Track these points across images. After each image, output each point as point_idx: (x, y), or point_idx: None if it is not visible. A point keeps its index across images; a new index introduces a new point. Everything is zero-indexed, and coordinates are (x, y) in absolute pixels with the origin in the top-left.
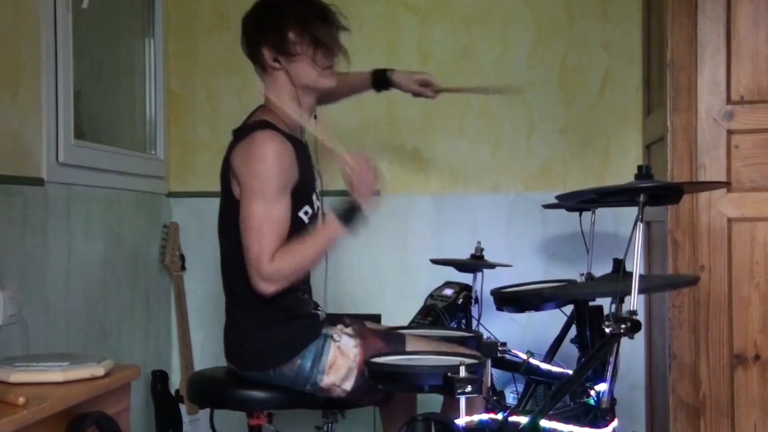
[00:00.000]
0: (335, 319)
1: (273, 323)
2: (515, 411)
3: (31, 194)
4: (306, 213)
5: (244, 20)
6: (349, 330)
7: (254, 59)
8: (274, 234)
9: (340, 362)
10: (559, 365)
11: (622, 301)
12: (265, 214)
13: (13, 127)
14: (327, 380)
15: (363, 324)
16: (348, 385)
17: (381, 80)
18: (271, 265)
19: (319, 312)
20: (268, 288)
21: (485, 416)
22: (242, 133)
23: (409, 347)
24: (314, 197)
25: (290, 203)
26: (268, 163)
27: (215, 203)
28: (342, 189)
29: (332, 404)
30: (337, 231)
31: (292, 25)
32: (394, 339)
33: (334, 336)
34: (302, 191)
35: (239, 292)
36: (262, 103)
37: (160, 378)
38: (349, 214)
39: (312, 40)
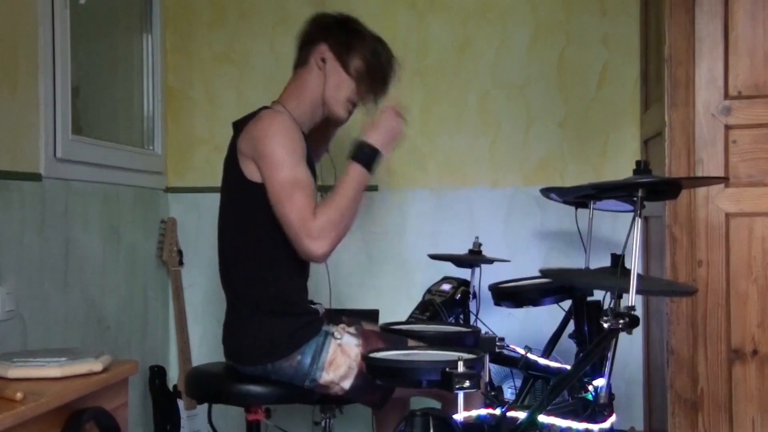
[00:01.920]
0: (334, 316)
1: (273, 318)
2: (513, 406)
3: (29, 190)
4: None
5: (322, 14)
6: (351, 329)
7: (303, 47)
8: (306, 195)
9: (340, 360)
10: (557, 360)
11: (620, 296)
12: (293, 178)
13: (11, 122)
14: (326, 377)
15: (360, 323)
16: (347, 384)
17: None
18: (317, 222)
19: (318, 308)
20: (321, 246)
21: (483, 411)
22: (246, 119)
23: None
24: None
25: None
26: (282, 133)
27: (213, 198)
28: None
29: (330, 399)
30: (363, 174)
31: (367, 52)
32: (396, 341)
33: (336, 334)
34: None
35: (241, 287)
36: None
37: (158, 373)
38: (370, 157)
39: (368, 76)
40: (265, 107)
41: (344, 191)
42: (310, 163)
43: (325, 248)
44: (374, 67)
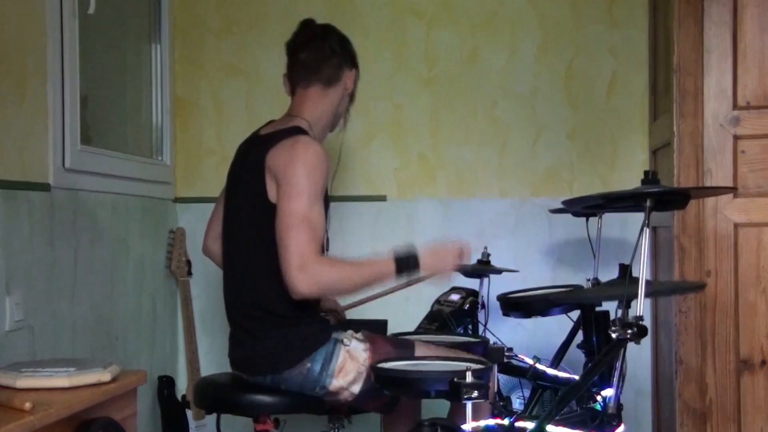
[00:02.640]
0: (343, 325)
1: (283, 327)
2: (522, 416)
3: (38, 200)
4: None
5: (347, 39)
6: (358, 335)
7: (334, 67)
8: (314, 234)
9: (349, 366)
10: (565, 370)
11: (628, 306)
12: (309, 214)
13: (20, 132)
14: (336, 383)
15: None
16: (356, 389)
17: None
18: (317, 264)
19: (328, 317)
20: (303, 286)
21: (492, 422)
22: (279, 136)
23: (417, 353)
24: (327, 212)
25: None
26: (314, 167)
27: None
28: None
29: (339, 409)
30: (390, 272)
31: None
32: (403, 345)
33: (344, 340)
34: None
35: (251, 296)
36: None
37: (166, 383)
38: (409, 267)
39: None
40: (299, 128)
41: (362, 269)
42: (326, 201)
43: (303, 288)
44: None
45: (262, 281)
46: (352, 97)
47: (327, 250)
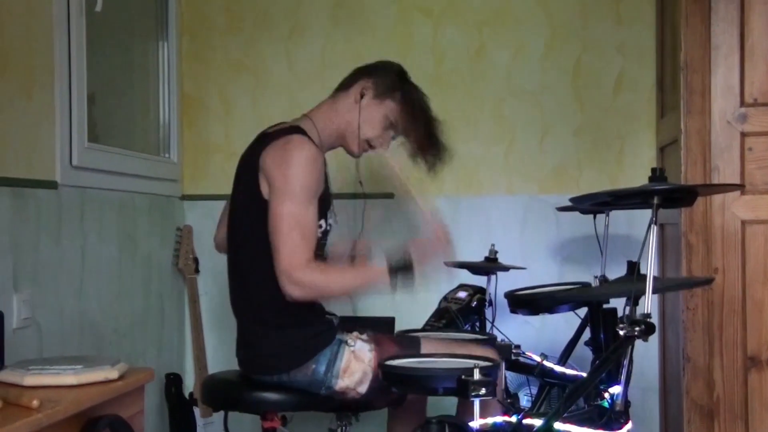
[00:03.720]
0: (348, 325)
1: (287, 328)
2: (529, 414)
3: (45, 197)
4: (320, 227)
5: (387, 62)
6: (363, 336)
7: (352, 76)
8: (303, 237)
9: (354, 367)
10: (573, 368)
11: (636, 303)
12: (299, 216)
13: (27, 130)
14: (341, 384)
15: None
16: (363, 389)
17: None
18: (305, 272)
19: (332, 317)
20: (293, 291)
21: (499, 419)
22: (276, 135)
23: (423, 351)
24: (328, 214)
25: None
26: (304, 168)
27: None
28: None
29: (346, 406)
30: (381, 277)
31: (407, 99)
32: (408, 344)
33: (349, 341)
34: (321, 205)
35: (254, 296)
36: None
37: (173, 381)
38: (401, 270)
39: (404, 124)
40: (297, 128)
41: (352, 275)
42: (327, 189)
43: (295, 294)
44: (408, 116)
45: (263, 281)
46: (389, 126)
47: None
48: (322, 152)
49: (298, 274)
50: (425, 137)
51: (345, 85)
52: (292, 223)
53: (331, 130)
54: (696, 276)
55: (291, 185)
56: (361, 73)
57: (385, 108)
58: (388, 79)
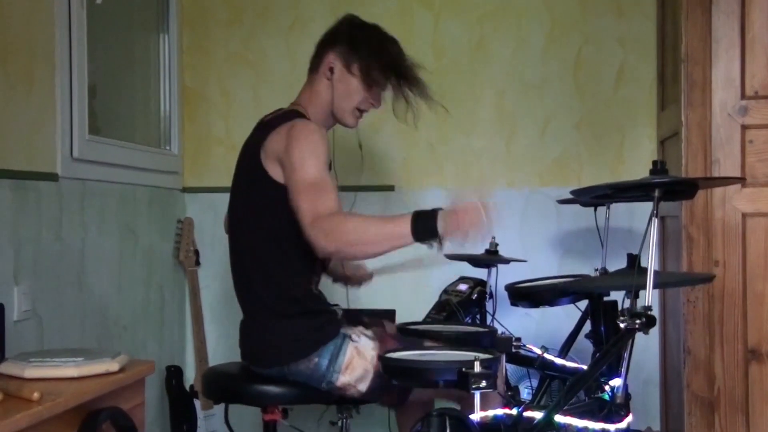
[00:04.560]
0: (353, 318)
1: (292, 319)
2: (530, 406)
3: (46, 189)
4: None
5: (344, 20)
6: (368, 332)
7: (316, 53)
8: (326, 192)
9: (356, 363)
10: (573, 360)
11: (636, 296)
12: (317, 178)
13: (28, 122)
14: (343, 380)
15: (381, 324)
16: (363, 386)
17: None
18: (329, 218)
19: (336, 309)
20: (319, 239)
21: (500, 411)
22: (277, 121)
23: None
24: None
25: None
26: (315, 143)
27: None
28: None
29: (347, 400)
30: (406, 233)
31: (372, 52)
32: (413, 345)
33: (353, 336)
34: None
35: (258, 288)
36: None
37: (174, 373)
38: (428, 231)
39: (379, 76)
40: (294, 111)
41: (381, 225)
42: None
43: (324, 243)
44: (382, 66)
45: (266, 271)
46: (370, 84)
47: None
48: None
49: (323, 221)
50: (400, 77)
51: (314, 66)
52: (310, 184)
53: (320, 112)
54: (696, 270)
55: (305, 157)
56: (323, 47)
57: (357, 71)
58: (345, 42)
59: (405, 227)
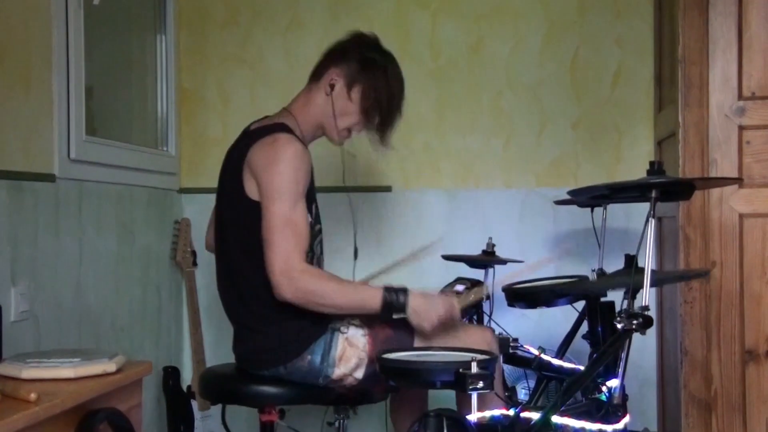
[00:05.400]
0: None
1: (280, 321)
2: (527, 407)
3: (43, 190)
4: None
5: (357, 40)
6: (355, 321)
7: (322, 63)
8: (299, 237)
9: (349, 353)
10: (570, 361)
11: (633, 296)
12: (290, 215)
13: (25, 123)
14: (338, 372)
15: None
16: (359, 374)
17: None
18: (302, 276)
19: None
20: (287, 292)
21: (497, 412)
22: (261, 132)
23: (416, 336)
24: (313, 207)
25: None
26: (292, 166)
27: None
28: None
29: (345, 399)
30: (374, 304)
31: (377, 85)
32: (401, 326)
33: (341, 328)
34: (307, 198)
35: (245, 292)
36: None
37: (171, 374)
38: (394, 311)
39: (376, 107)
40: (283, 125)
41: (349, 294)
42: (311, 196)
43: (289, 295)
44: (381, 102)
45: (252, 278)
46: (366, 112)
47: (321, 243)
48: (306, 147)
49: (295, 275)
50: (387, 119)
51: (316, 75)
52: (285, 223)
53: (310, 122)
54: (693, 268)
55: (280, 185)
56: (328, 60)
57: (356, 95)
58: (353, 65)
59: (374, 303)
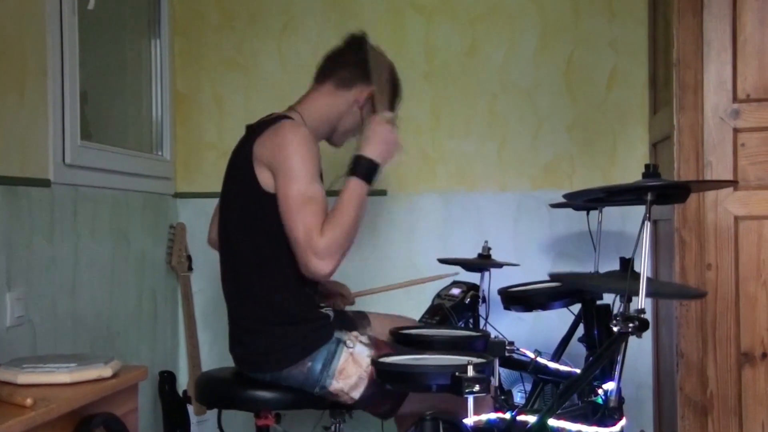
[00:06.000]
0: (348, 322)
1: (285, 325)
2: (523, 410)
3: (38, 195)
4: None
5: (388, 66)
6: (363, 338)
7: (351, 70)
8: (317, 211)
9: (351, 369)
10: (566, 364)
11: (629, 300)
12: (307, 193)
13: (20, 128)
14: (336, 385)
15: (367, 317)
16: (356, 394)
17: None
18: (323, 240)
19: (329, 312)
20: (326, 266)
21: (493, 415)
22: (266, 125)
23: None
24: None
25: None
26: (303, 146)
27: None
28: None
29: (340, 404)
30: (362, 187)
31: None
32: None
33: (348, 342)
34: None
35: (249, 293)
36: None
37: (167, 379)
38: (368, 170)
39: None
40: (285, 116)
41: (346, 208)
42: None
43: (329, 267)
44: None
45: (258, 277)
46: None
47: None
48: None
49: (321, 249)
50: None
51: (344, 82)
52: (302, 202)
53: (321, 122)
54: (689, 274)
55: (296, 167)
56: (360, 73)
57: (370, 112)
58: (385, 94)
59: (360, 187)
